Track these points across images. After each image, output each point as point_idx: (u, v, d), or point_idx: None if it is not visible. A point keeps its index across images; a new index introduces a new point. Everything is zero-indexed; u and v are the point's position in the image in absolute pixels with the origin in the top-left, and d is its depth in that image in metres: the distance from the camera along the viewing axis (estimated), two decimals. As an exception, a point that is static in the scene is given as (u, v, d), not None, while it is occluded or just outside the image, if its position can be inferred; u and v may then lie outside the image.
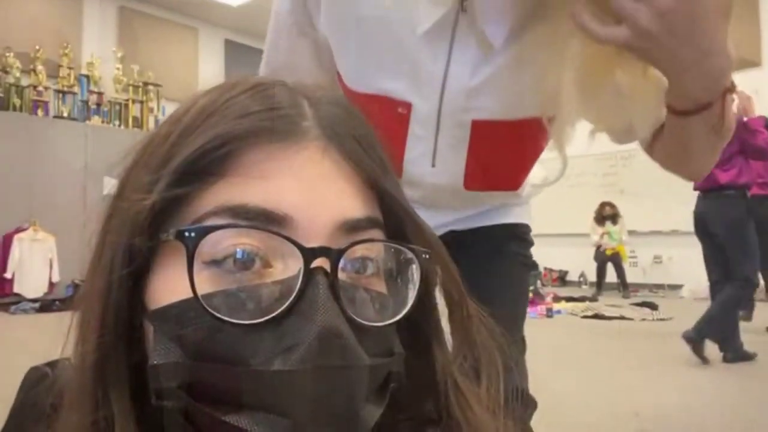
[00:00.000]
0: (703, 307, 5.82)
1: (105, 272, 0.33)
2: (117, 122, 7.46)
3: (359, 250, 0.33)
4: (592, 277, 8.32)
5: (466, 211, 0.94)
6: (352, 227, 0.33)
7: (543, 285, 8.32)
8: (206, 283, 0.31)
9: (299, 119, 0.34)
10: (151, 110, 7.74)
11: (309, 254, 0.31)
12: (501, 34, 0.70)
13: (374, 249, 0.34)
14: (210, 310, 0.30)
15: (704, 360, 3.40)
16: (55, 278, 6.33)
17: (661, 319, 5.52)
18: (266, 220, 0.31)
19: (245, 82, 0.36)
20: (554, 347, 4.25)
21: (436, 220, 0.90)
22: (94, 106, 7.29)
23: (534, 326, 5.08)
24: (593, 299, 7.05)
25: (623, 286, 7.83)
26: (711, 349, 3.77)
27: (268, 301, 0.31)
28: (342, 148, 0.34)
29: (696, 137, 0.67)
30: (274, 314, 0.30)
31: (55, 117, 6.95)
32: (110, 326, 0.33)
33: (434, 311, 0.39)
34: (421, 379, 0.38)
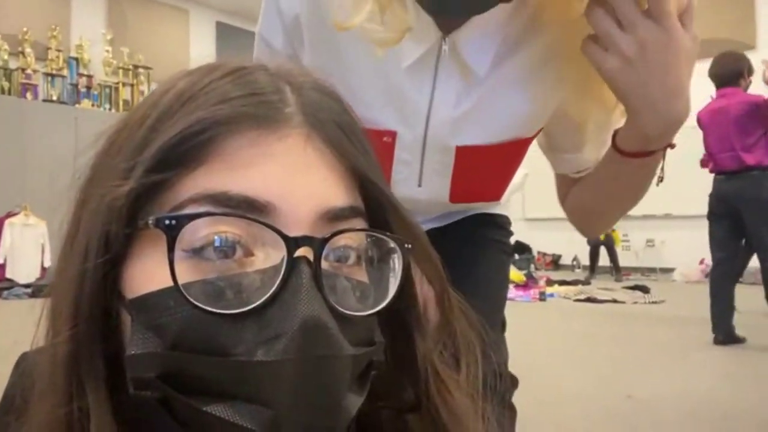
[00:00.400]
0: (695, 289, 5.86)
1: (79, 260, 0.32)
2: (107, 106, 7.39)
3: (342, 239, 0.33)
4: (585, 260, 8.37)
5: (456, 210, 0.97)
6: (334, 216, 0.33)
7: (536, 269, 8.36)
8: (186, 271, 0.30)
9: (282, 105, 0.34)
10: (141, 93, 7.66)
11: (292, 243, 0.30)
12: (485, 64, 0.71)
13: (356, 238, 0.34)
14: (190, 299, 0.29)
15: None
16: (47, 263, 6.31)
17: (653, 302, 5.57)
18: (248, 208, 0.30)
19: (226, 66, 0.35)
20: (547, 330, 4.28)
21: (418, 219, 0.93)
22: (83, 90, 7.21)
23: (527, 309, 5.13)
24: (586, 283, 7.09)
25: (616, 270, 7.88)
26: (701, 331, 3.81)
27: (249, 291, 0.30)
28: (325, 136, 0.34)
29: (625, 184, 0.73)
30: (256, 304, 0.29)
31: (44, 101, 6.87)
32: (84, 316, 0.32)
33: (416, 300, 0.39)
34: (402, 367, 0.38)
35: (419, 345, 0.38)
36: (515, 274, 6.67)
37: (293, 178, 0.32)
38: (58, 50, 7.08)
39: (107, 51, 7.48)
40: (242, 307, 0.29)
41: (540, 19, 0.69)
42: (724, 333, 3.53)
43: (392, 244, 0.35)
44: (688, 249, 7.44)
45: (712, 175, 3.78)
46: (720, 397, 2.56)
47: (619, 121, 0.69)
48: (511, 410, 0.97)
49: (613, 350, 3.56)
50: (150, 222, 0.30)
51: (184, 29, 8.57)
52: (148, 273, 0.31)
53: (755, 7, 7.74)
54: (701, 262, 7.37)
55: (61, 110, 6.83)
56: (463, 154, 0.79)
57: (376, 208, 0.36)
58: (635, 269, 8.37)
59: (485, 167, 0.83)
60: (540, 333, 4.12)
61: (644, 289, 6.19)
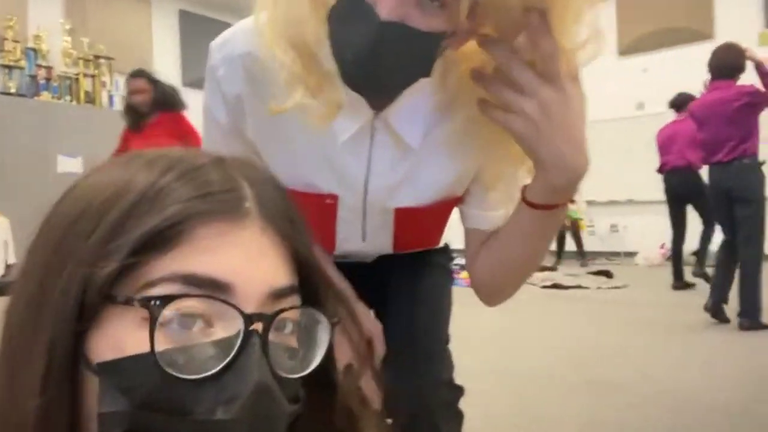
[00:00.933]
0: (656, 273, 6.01)
1: (47, 330, 0.36)
2: (68, 98, 7.20)
3: (283, 314, 0.39)
4: (553, 246, 8.52)
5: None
6: (279, 294, 0.39)
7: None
8: (155, 340, 0.34)
9: (241, 201, 0.39)
10: (103, 84, 7.48)
11: (248, 319, 0.36)
12: (417, 135, 0.79)
13: (294, 312, 0.41)
14: (164, 367, 0.34)
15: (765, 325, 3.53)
16: (11, 260, 6.15)
17: (616, 287, 5.71)
18: (212, 287, 0.36)
19: (189, 161, 0.40)
20: (512, 318, 4.37)
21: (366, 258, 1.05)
22: (43, 81, 7.01)
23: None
24: (552, 269, 7.23)
25: (581, 255, 8.05)
26: (661, 315, 3.91)
27: (210, 358, 0.36)
28: (276, 227, 0.41)
29: (531, 239, 0.79)
30: (216, 369, 0.35)
31: (2, 93, 6.66)
32: (55, 382, 0.35)
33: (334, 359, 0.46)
34: (323, 407, 0.45)
35: (339, 388, 0.46)
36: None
37: (250, 264, 0.38)
38: (15, 41, 6.86)
39: (66, 41, 7.27)
40: (204, 372, 0.35)
41: (461, 89, 0.75)
42: (716, 306, 3.66)
43: (322, 318, 0.42)
44: (650, 233, 7.64)
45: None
46: (680, 380, 2.65)
47: (526, 177, 0.75)
48: (458, 416, 1.04)
49: (575, 336, 3.66)
50: (136, 301, 0.35)
51: (146, 18, 8.38)
52: (118, 340, 0.36)
53: (713, -4, 7.93)
54: (662, 246, 7.58)
55: (20, 103, 6.62)
56: (402, 214, 0.86)
57: (309, 284, 0.43)
58: (600, 254, 8.56)
59: (423, 223, 0.91)
60: (506, 320, 4.21)
61: (608, 274, 6.35)
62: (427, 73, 0.66)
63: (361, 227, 0.89)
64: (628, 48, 8.49)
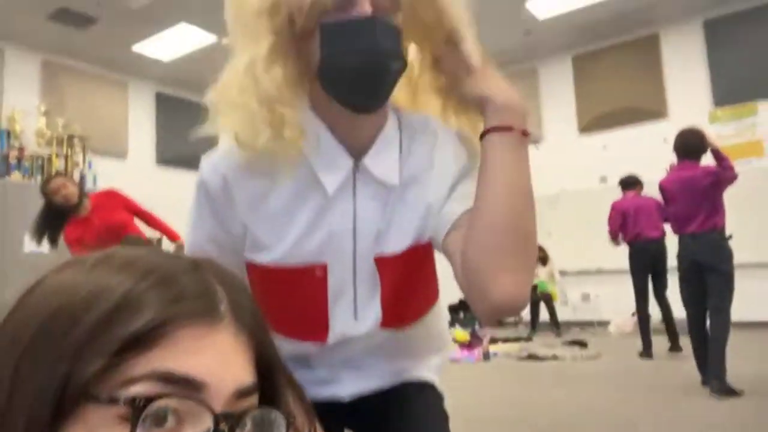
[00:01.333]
0: (629, 342, 6.05)
1: (18, 429, 0.36)
2: (39, 177, 7.17)
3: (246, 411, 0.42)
4: (528, 316, 8.54)
5: (389, 365, 1.03)
6: (244, 393, 0.42)
7: (480, 326, 8.45)
8: None
9: (217, 305, 0.43)
10: (76, 164, 7.48)
11: (217, 419, 0.38)
12: (394, 174, 0.88)
13: (255, 408, 0.43)
14: None
15: (738, 392, 3.57)
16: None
17: (590, 358, 5.73)
18: (187, 386, 0.38)
19: (165, 267, 0.43)
20: (490, 392, 4.32)
21: (361, 385, 1.02)
22: (14, 161, 6.99)
23: (471, 371, 5.16)
24: (528, 339, 7.22)
25: (555, 326, 8.08)
26: (631, 381, 3.87)
27: None
28: (247, 331, 0.44)
29: (505, 178, 0.79)
30: None
31: (-29, 173, 6.61)
32: None
33: None
34: None
35: None
36: (460, 333, 6.73)
37: (223, 364, 0.41)
38: (-12, 122, 6.88)
39: (41, 122, 7.32)
40: None
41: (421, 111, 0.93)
42: (721, 381, 3.63)
43: (280, 417, 0.44)
44: (621, 302, 7.74)
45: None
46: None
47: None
48: None
49: (545, 405, 3.63)
50: (122, 400, 0.36)
51: (122, 101, 8.53)
52: None
53: (664, 77, 8.45)
54: (633, 314, 7.66)
55: (-10, 183, 6.57)
56: (383, 265, 0.90)
57: (269, 381, 0.46)
58: (573, 323, 8.59)
59: (406, 278, 0.93)
60: (480, 395, 4.16)
61: (582, 344, 6.37)
62: (404, 64, 0.82)
63: (352, 297, 0.91)
64: (588, 126, 8.92)
